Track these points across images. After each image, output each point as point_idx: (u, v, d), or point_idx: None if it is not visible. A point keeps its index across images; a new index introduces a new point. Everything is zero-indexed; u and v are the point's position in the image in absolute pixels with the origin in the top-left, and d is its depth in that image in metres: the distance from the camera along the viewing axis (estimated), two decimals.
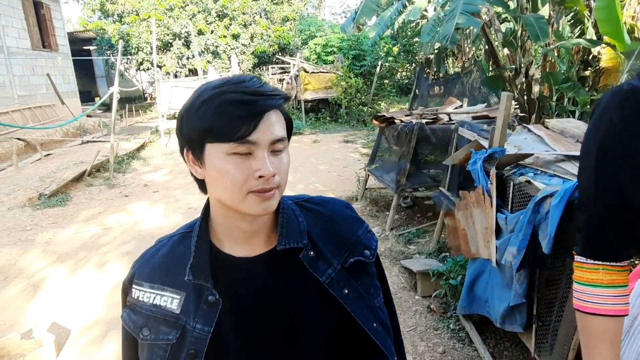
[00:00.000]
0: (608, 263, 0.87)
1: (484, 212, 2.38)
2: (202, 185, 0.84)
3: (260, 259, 0.84)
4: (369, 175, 5.27)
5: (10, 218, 4.71)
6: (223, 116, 0.74)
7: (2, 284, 3.38)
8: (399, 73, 16.97)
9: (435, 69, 10.17)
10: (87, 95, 16.40)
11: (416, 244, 4.15)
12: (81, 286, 3.38)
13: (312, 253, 0.85)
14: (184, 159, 0.82)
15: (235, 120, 0.73)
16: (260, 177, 0.74)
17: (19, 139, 7.86)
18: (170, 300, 0.82)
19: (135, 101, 18.50)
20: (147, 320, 0.82)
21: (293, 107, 12.69)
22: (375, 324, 0.88)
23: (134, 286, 0.84)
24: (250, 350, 0.83)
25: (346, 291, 0.86)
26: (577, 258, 0.92)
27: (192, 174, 0.84)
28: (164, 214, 5.11)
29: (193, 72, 16.44)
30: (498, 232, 2.23)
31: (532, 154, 2.19)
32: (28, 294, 3.25)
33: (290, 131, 0.83)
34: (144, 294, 0.83)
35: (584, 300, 0.89)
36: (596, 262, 0.87)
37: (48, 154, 7.63)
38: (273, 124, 0.76)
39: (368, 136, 10.15)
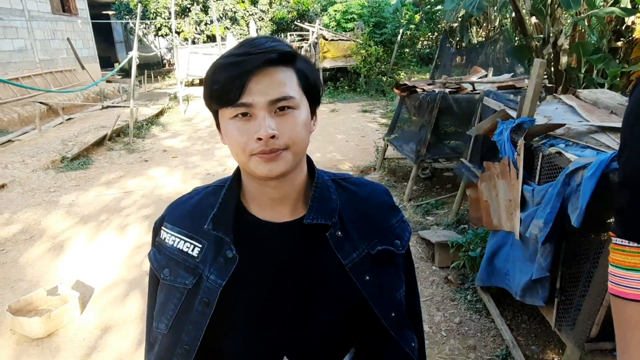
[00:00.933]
0: None
1: (508, 184, 2.33)
2: None
3: (285, 226, 0.84)
4: (387, 145, 5.21)
5: (35, 180, 4.80)
6: (218, 81, 0.73)
7: (27, 243, 3.47)
8: (420, 42, 16.50)
9: (458, 38, 9.87)
10: (106, 61, 16.39)
11: (434, 215, 4.12)
12: (103, 247, 3.45)
13: (339, 233, 0.83)
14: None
15: (226, 83, 0.72)
16: (259, 139, 0.72)
17: (41, 102, 7.93)
18: (192, 247, 0.84)
19: (153, 67, 18.45)
20: (169, 262, 0.86)
21: None
22: (393, 314, 0.86)
23: (163, 228, 0.88)
24: (258, 314, 0.84)
25: (367, 278, 0.83)
26: (617, 240, 0.86)
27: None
28: (183, 180, 5.15)
29: (211, 38, 16.28)
30: (523, 204, 2.18)
31: (563, 125, 2.11)
32: (53, 252, 3.34)
33: (313, 88, 0.79)
34: (170, 236, 0.86)
35: (623, 286, 0.84)
36: None
37: (70, 118, 7.70)
38: (273, 83, 0.73)
39: (387, 106, 9.99)
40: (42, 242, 3.49)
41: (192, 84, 13.61)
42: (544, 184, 2.02)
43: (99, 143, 6.31)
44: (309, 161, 0.87)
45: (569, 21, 5.39)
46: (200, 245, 0.84)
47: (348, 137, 7.11)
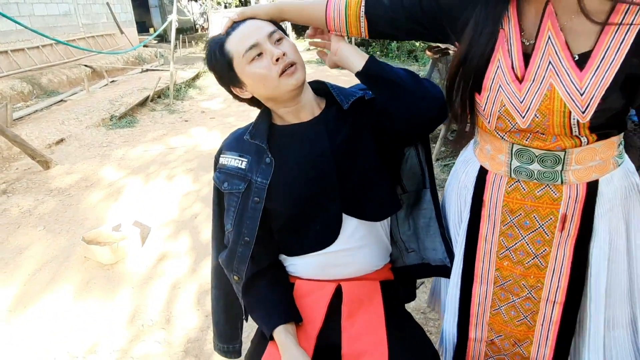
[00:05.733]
0: None
1: None
2: (253, 102, 1.15)
3: (312, 121, 1.14)
4: None
5: (88, 136, 5.21)
6: (219, 45, 1.07)
7: (89, 189, 3.86)
8: None
9: None
10: (141, 26, 16.72)
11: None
12: (155, 194, 3.81)
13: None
14: (234, 97, 1.16)
15: (236, 39, 1.06)
16: (276, 60, 1.03)
17: (86, 65, 8.35)
18: (240, 162, 1.14)
19: (187, 32, 18.72)
20: (226, 177, 1.16)
21: None
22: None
23: (221, 155, 1.20)
24: (298, 193, 1.12)
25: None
26: None
27: (244, 101, 1.15)
28: (222, 137, 5.33)
29: (243, 2, 16.35)
30: None
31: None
32: (111, 197, 3.72)
33: (278, 26, 1.11)
34: (225, 158, 1.18)
35: None
36: None
37: (113, 81, 8.10)
38: (259, 26, 1.06)
39: (419, 71, 9.93)
40: (100, 189, 3.88)
41: None
42: None
43: (142, 104, 6.68)
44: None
45: None
46: (246, 159, 1.14)
47: None
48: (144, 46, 12.16)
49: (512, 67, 0.88)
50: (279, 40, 1.07)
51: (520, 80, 0.87)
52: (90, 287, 2.55)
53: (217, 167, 1.21)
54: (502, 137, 0.97)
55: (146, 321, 2.27)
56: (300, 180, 1.12)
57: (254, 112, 1.18)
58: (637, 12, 0.76)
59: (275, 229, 1.18)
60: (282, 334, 1.09)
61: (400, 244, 1.28)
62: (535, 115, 0.87)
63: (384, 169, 1.14)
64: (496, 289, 1.09)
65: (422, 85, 1.02)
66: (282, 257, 1.26)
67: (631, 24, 0.77)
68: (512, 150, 0.97)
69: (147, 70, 9.52)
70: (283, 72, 1.04)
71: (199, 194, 3.79)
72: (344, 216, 1.13)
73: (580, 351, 1.04)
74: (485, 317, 1.12)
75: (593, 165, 0.93)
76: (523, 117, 0.89)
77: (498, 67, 0.89)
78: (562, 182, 0.94)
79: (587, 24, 0.80)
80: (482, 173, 1.05)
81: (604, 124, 0.86)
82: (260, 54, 1.04)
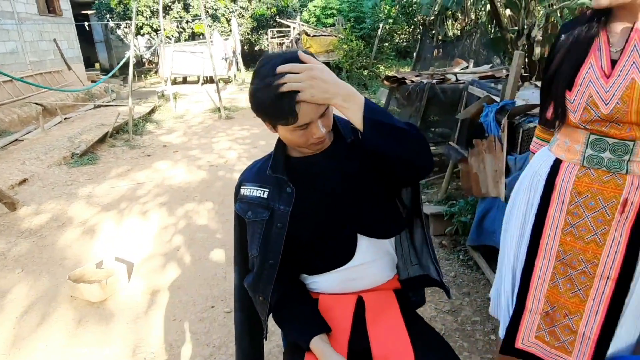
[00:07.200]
0: None
1: (494, 156, 2.79)
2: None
3: (322, 154, 1.25)
4: None
5: (51, 174, 5.07)
6: (273, 114, 1.10)
7: (61, 229, 3.78)
8: (398, 36, 16.95)
9: (434, 32, 10.33)
10: (86, 61, 16.37)
11: (425, 194, 4.57)
12: (131, 229, 3.79)
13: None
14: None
15: (282, 116, 1.07)
16: (317, 139, 1.15)
17: (36, 103, 8.10)
18: (262, 192, 1.27)
19: (134, 67, 18.47)
20: (250, 206, 1.29)
21: None
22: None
23: (241, 187, 1.32)
24: (317, 218, 1.26)
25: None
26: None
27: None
28: (189, 171, 5.48)
29: (192, 36, 16.44)
30: (507, 172, 2.64)
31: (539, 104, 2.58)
32: (87, 235, 3.66)
33: None
34: (247, 190, 1.30)
35: (535, 145, 1.54)
36: None
37: (67, 118, 7.90)
38: (310, 105, 1.05)
39: (370, 99, 10.39)
40: (73, 228, 3.81)
41: (175, 82, 13.75)
42: (524, 153, 2.48)
43: (102, 140, 6.57)
44: None
45: (541, 13, 5.88)
46: (267, 190, 1.27)
47: None
48: (91, 81, 11.94)
49: (601, 67, 1.16)
50: (324, 113, 1.12)
51: (608, 77, 1.15)
52: (83, 325, 2.53)
53: (239, 198, 1.33)
54: (584, 127, 1.21)
55: (148, 355, 2.29)
56: (318, 207, 1.26)
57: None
58: None
59: (297, 251, 1.31)
60: (320, 343, 1.21)
61: (403, 258, 1.46)
62: (618, 102, 1.12)
63: (389, 194, 1.31)
64: (557, 263, 1.29)
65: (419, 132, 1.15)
66: (304, 276, 1.39)
67: None
68: (588, 140, 1.21)
69: (99, 106, 9.34)
70: (315, 144, 1.18)
71: (177, 227, 3.82)
72: (358, 236, 1.28)
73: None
74: (543, 289, 1.32)
75: None
76: (607, 105, 1.14)
77: (590, 67, 1.18)
78: (627, 171, 1.17)
79: None
80: (557, 163, 1.29)
81: None
82: (306, 125, 1.10)
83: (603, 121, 1.17)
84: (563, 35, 1.29)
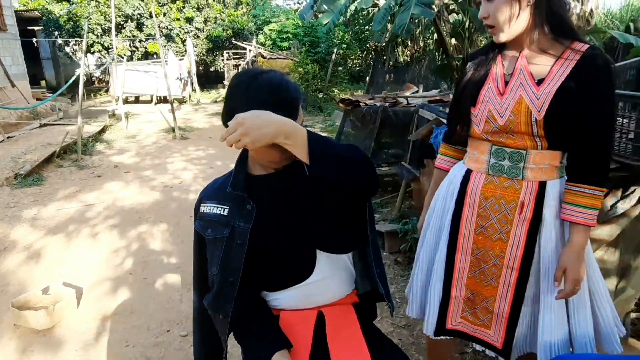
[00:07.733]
0: None
1: None
2: None
3: (282, 172, 1.30)
4: None
5: None
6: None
7: (4, 254, 3.58)
8: (351, 61, 17.42)
9: (385, 57, 10.73)
10: (31, 78, 15.70)
11: (380, 213, 4.69)
12: (79, 253, 3.65)
13: None
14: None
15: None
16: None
17: None
18: (223, 209, 1.30)
19: (84, 85, 17.89)
20: (209, 224, 1.31)
21: None
22: None
23: (201, 204, 1.35)
24: (276, 235, 1.29)
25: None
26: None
27: None
28: (141, 192, 5.35)
29: (145, 56, 16.18)
30: None
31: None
32: (31, 260, 3.49)
33: (288, 108, 1.16)
34: (207, 207, 1.33)
35: (441, 162, 1.75)
36: None
37: (9, 137, 7.53)
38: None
39: (325, 121, 10.59)
40: (17, 252, 3.62)
41: (126, 101, 13.44)
42: None
43: (48, 160, 6.31)
44: None
45: (484, 43, 6.28)
46: (227, 207, 1.30)
47: None
48: (37, 99, 11.47)
49: (497, 86, 1.41)
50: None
51: (502, 94, 1.39)
52: (28, 355, 2.40)
53: (198, 216, 1.35)
54: (486, 139, 1.43)
55: None
56: (278, 224, 1.29)
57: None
58: (570, 54, 1.31)
59: (258, 268, 1.33)
60: (281, 359, 1.24)
61: (361, 273, 1.51)
62: (510, 115, 1.35)
63: (347, 210, 1.37)
64: (472, 259, 1.52)
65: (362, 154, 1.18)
66: (264, 293, 1.41)
67: (567, 59, 1.33)
68: (491, 150, 1.44)
69: (45, 125, 8.97)
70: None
71: (129, 250, 3.71)
72: (317, 251, 1.33)
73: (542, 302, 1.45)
74: (463, 279, 1.56)
75: (543, 167, 1.38)
76: (502, 117, 1.37)
77: (489, 87, 1.43)
78: (522, 177, 1.39)
79: (544, 60, 1.34)
80: (468, 173, 1.51)
81: (552, 130, 1.31)
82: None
83: (500, 132, 1.39)
84: (470, 63, 1.55)
